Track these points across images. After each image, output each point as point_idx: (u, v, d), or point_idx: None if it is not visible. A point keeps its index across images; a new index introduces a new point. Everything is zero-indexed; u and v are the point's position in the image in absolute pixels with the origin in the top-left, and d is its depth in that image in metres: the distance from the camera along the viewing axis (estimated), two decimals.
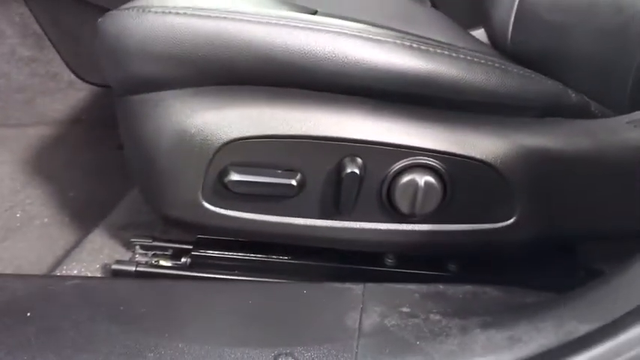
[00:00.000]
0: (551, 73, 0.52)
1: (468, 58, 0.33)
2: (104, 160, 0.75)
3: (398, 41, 0.33)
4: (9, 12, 0.81)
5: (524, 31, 0.58)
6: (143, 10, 0.33)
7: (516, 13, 0.59)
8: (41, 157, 0.78)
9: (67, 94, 0.86)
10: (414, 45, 0.33)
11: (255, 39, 0.32)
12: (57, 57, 0.85)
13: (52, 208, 0.65)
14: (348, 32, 0.33)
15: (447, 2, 0.79)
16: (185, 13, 0.32)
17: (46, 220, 0.64)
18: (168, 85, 0.34)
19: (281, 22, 0.32)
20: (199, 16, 0.32)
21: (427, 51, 0.33)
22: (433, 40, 0.35)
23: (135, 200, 0.58)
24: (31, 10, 0.81)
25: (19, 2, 0.80)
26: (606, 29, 0.38)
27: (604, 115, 0.38)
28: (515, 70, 0.36)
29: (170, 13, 0.32)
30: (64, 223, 0.63)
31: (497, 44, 0.65)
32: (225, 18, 0.32)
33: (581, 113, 0.38)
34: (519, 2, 0.58)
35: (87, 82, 0.87)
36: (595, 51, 0.41)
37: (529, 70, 0.37)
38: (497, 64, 0.35)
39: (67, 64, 0.85)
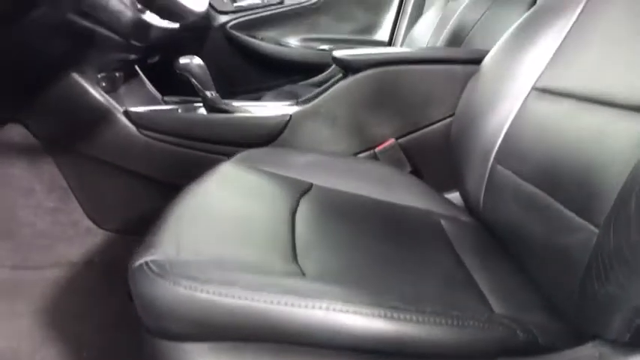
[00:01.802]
0: (514, 249, 0.60)
1: (430, 319, 0.42)
2: (116, 311, 0.82)
3: (375, 312, 0.42)
4: (40, 171, 0.91)
5: (493, 202, 0.67)
6: (174, 283, 0.42)
7: (487, 185, 0.69)
8: (57, 306, 0.84)
9: (84, 240, 0.95)
10: (388, 314, 0.42)
11: (267, 318, 0.40)
12: (78, 207, 0.94)
13: None
14: (341, 308, 0.41)
15: (425, 168, 0.91)
16: (211, 292, 0.41)
17: None
18: (188, 338, 0.42)
19: (289, 303, 0.41)
20: (224, 295, 0.41)
21: (397, 318, 0.41)
22: (402, 307, 0.44)
23: None
24: (59, 169, 0.92)
25: (50, 163, 0.92)
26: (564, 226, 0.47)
27: (553, 347, 0.46)
28: (471, 323, 0.44)
29: (198, 290, 0.41)
30: None
31: (470, 208, 0.75)
32: (246, 299, 0.40)
33: (529, 350, 0.46)
34: (489, 176, 0.68)
35: (102, 228, 0.96)
36: (551, 243, 0.50)
37: (483, 318, 0.46)
38: (454, 321, 0.43)
39: (87, 214, 0.94)
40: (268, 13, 1.70)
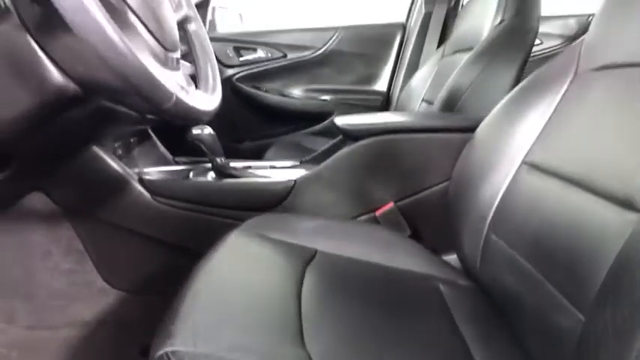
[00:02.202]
0: (510, 318, 0.62)
1: None
2: None
3: None
4: (57, 235, 0.96)
5: (489, 269, 0.69)
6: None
7: (482, 252, 0.72)
8: None
9: (98, 300, 0.99)
10: None
11: None
12: (93, 268, 0.99)
13: None
14: None
15: (424, 230, 0.96)
16: None
17: None
18: None
19: None
20: None
21: None
22: None
23: None
24: (76, 233, 0.97)
25: (68, 228, 0.97)
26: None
27: None
28: None
29: None
30: None
31: (468, 270, 0.79)
32: None
33: None
34: (484, 243, 0.71)
35: (116, 288, 1.00)
36: (544, 320, 0.52)
37: None
38: None
39: (101, 275, 0.99)
40: (272, 66, 1.78)
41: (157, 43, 0.57)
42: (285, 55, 1.78)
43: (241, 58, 1.78)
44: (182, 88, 0.60)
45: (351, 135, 0.96)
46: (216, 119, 1.92)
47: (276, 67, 1.78)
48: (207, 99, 0.65)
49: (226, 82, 1.77)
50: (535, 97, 0.73)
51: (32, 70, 0.53)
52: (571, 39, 1.72)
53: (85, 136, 0.85)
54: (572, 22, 1.75)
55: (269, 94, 1.80)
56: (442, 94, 1.16)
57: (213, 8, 1.75)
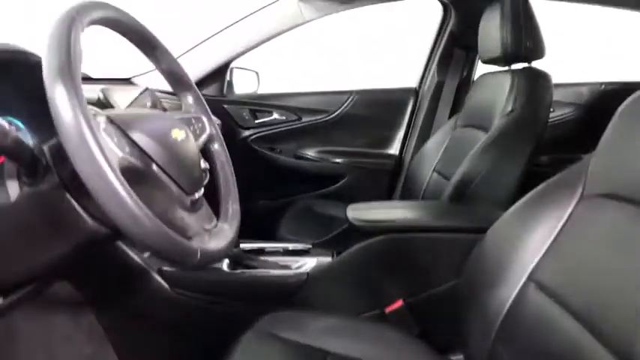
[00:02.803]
0: None
1: None
2: None
3: None
4: (80, 321, 1.01)
5: None
6: None
7: (489, 357, 0.74)
8: None
9: None
10: None
11: None
12: (114, 354, 1.03)
13: None
14: None
15: (432, 328, 0.98)
16: None
17: None
18: None
19: None
20: None
21: None
22: None
23: None
24: (98, 320, 1.01)
25: (90, 314, 1.01)
26: None
27: None
28: None
29: None
30: None
31: None
32: None
33: None
34: (490, 353, 0.71)
35: None
36: None
37: None
38: None
39: (119, 357, 1.03)
40: (287, 128, 1.83)
41: (180, 190, 0.60)
42: (299, 118, 1.83)
43: (257, 120, 1.83)
44: (205, 230, 0.63)
45: (364, 232, 1.00)
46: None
47: (290, 129, 1.83)
48: (227, 231, 0.68)
49: (242, 143, 1.83)
50: (544, 211, 0.75)
51: (70, 222, 0.57)
52: (583, 107, 1.75)
53: (113, 236, 0.90)
54: (584, 90, 1.77)
55: (283, 155, 1.84)
56: (453, 181, 1.19)
57: (231, 69, 1.82)
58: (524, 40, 1.24)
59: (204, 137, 0.73)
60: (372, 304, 0.98)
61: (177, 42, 1.81)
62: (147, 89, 0.83)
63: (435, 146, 1.56)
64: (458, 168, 1.30)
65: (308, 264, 1.03)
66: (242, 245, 1.15)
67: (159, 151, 0.55)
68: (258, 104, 1.82)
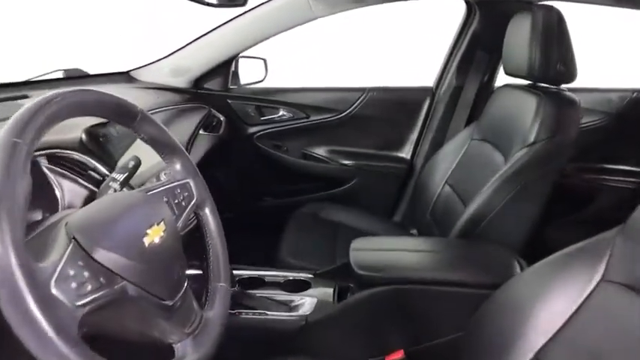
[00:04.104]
0: None
1: None
2: None
3: None
4: None
5: None
6: None
7: None
8: None
9: None
10: None
11: None
12: None
13: None
14: None
15: None
16: None
17: None
18: None
19: None
20: None
21: None
22: None
23: None
24: None
25: None
26: None
27: None
28: None
29: None
30: None
31: None
32: None
33: None
34: None
35: None
36: None
37: None
38: None
39: None
40: (294, 126, 1.75)
41: (156, 299, 0.53)
42: (308, 116, 1.73)
43: (263, 117, 1.74)
44: (187, 333, 0.58)
45: (367, 282, 0.95)
46: (237, 176, 1.91)
47: (298, 128, 1.74)
48: (213, 325, 0.63)
49: (247, 141, 1.75)
50: (560, 287, 0.70)
51: None
52: (613, 116, 1.62)
53: None
54: (614, 97, 1.64)
55: (289, 154, 1.76)
56: (466, 216, 1.12)
57: (237, 60, 1.71)
58: (556, 61, 1.11)
59: (190, 207, 0.67)
60: (372, 352, 0.95)
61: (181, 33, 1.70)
62: None
63: (448, 156, 1.48)
64: (471, 186, 1.24)
65: (307, 304, 1.00)
66: (240, 272, 1.11)
67: (131, 267, 0.49)
68: (265, 100, 1.73)
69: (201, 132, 1.45)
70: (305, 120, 1.74)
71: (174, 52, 1.62)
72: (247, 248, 1.58)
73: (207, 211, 0.72)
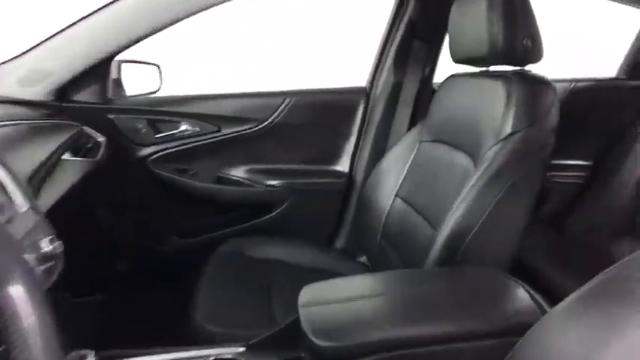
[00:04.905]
0: None
1: None
2: None
3: None
4: None
5: None
6: None
7: None
8: None
9: None
10: None
11: None
12: None
13: None
14: None
15: None
16: None
17: None
18: None
19: None
20: None
21: None
22: None
23: None
24: None
25: None
26: None
27: None
28: None
29: None
30: None
31: None
32: None
33: None
34: None
35: None
36: None
37: None
38: None
39: None
40: (202, 142, 1.38)
41: None
42: (218, 129, 1.38)
43: (158, 135, 1.35)
44: None
45: (332, 357, 0.62)
46: (126, 213, 1.47)
47: (207, 145, 1.38)
48: None
49: (138, 166, 1.34)
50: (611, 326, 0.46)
51: None
52: None
53: None
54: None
55: (199, 179, 1.39)
56: (441, 239, 0.88)
57: (119, 64, 1.31)
58: (522, 35, 0.94)
59: None
60: None
61: None
62: None
63: (395, 164, 1.24)
64: (430, 198, 1.04)
65: None
66: None
67: None
68: (160, 112, 1.34)
69: (67, 157, 1.05)
70: (216, 134, 1.39)
71: (27, 51, 1.18)
72: (143, 316, 1.19)
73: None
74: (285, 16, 1.81)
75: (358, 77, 1.51)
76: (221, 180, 1.41)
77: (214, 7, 1.19)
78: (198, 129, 1.38)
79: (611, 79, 1.77)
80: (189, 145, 1.37)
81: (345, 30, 1.82)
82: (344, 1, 1.67)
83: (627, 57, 1.74)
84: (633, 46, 1.72)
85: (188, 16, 1.17)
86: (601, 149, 1.67)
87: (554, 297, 0.54)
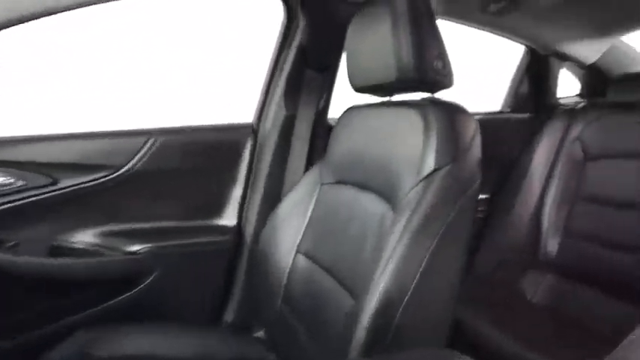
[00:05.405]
0: None
1: None
2: None
3: None
4: None
5: None
6: None
7: None
8: None
9: None
10: None
11: None
12: None
13: None
14: None
15: None
16: None
17: None
18: None
19: None
20: None
21: None
22: None
23: None
24: None
25: None
26: None
27: None
28: None
29: None
30: None
31: None
32: None
33: None
34: None
35: None
36: None
37: None
38: None
39: None
40: (29, 201, 1.02)
41: None
42: (54, 182, 1.04)
43: None
44: None
45: None
46: None
47: (35, 203, 1.03)
48: None
49: None
50: None
51: None
52: None
53: None
54: None
55: (23, 251, 1.02)
56: (367, 314, 0.69)
57: None
58: (433, 57, 0.82)
59: None
60: None
61: None
62: None
63: (293, 212, 1.05)
64: (338, 251, 0.89)
65: None
66: None
67: None
68: None
69: None
70: (50, 188, 1.04)
71: None
72: None
73: None
74: (139, 41, 1.52)
75: (242, 112, 1.28)
76: (58, 250, 1.05)
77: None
78: (24, 183, 1.02)
79: (496, 112, 1.80)
80: (8, 205, 1.00)
81: (225, 55, 1.59)
82: (223, 18, 1.45)
83: (510, 90, 1.79)
84: (514, 78, 1.78)
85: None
86: (495, 183, 1.67)
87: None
